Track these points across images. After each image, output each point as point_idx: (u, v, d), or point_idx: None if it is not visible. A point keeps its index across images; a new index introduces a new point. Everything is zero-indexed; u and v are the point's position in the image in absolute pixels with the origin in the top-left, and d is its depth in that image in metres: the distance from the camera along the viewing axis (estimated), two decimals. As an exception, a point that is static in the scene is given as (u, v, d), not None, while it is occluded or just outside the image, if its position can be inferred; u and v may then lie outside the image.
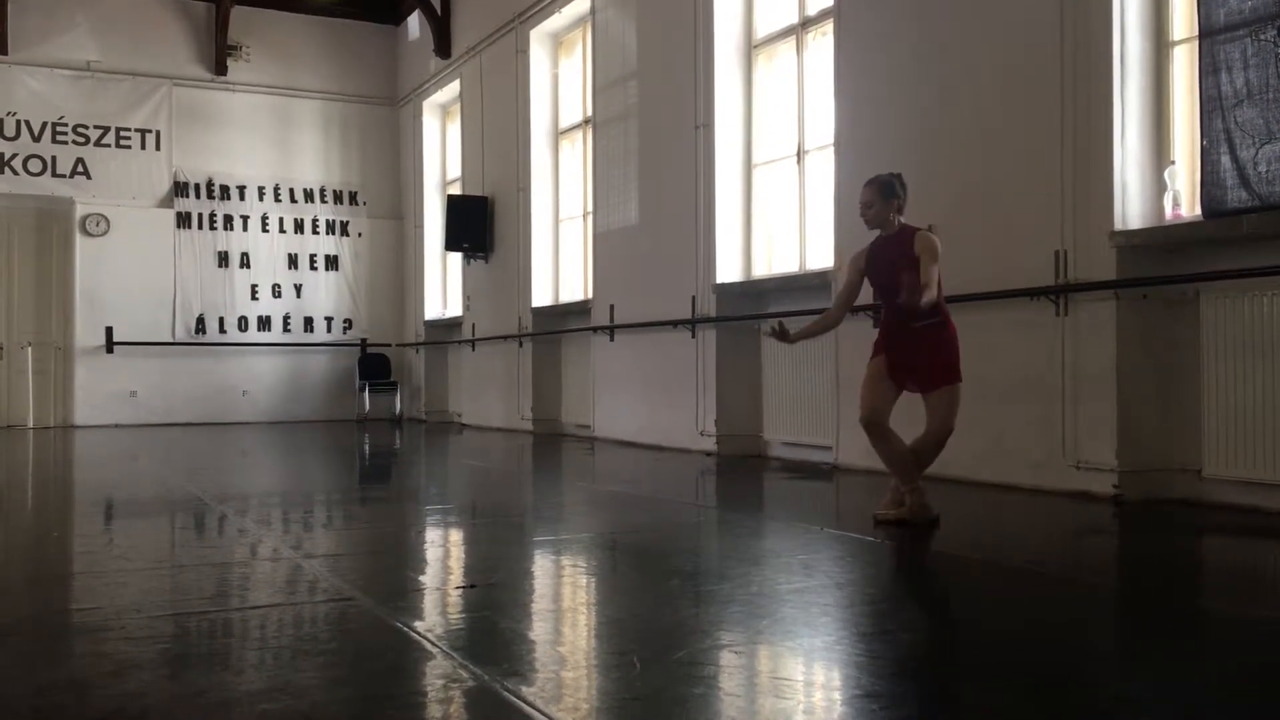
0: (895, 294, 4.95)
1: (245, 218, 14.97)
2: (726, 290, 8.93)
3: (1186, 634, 3.19)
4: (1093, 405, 5.85)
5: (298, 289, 15.28)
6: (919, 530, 4.86)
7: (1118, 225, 5.76)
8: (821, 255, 8.24)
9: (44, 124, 13.93)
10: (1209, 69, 5.34)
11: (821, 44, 8.32)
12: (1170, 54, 5.84)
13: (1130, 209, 5.79)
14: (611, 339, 10.44)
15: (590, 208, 11.11)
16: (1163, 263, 5.68)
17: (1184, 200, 5.72)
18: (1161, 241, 5.67)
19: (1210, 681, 2.71)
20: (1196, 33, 5.48)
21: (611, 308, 10.39)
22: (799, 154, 8.59)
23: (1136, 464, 5.71)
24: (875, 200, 5.12)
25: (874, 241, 5.22)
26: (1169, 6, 5.83)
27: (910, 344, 5.04)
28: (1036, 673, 2.73)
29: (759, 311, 8.69)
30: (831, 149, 7.83)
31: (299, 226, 15.29)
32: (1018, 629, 3.22)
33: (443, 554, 4.78)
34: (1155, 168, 5.82)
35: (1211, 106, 5.33)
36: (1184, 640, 3.11)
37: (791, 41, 8.74)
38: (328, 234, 15.48)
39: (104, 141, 14.22)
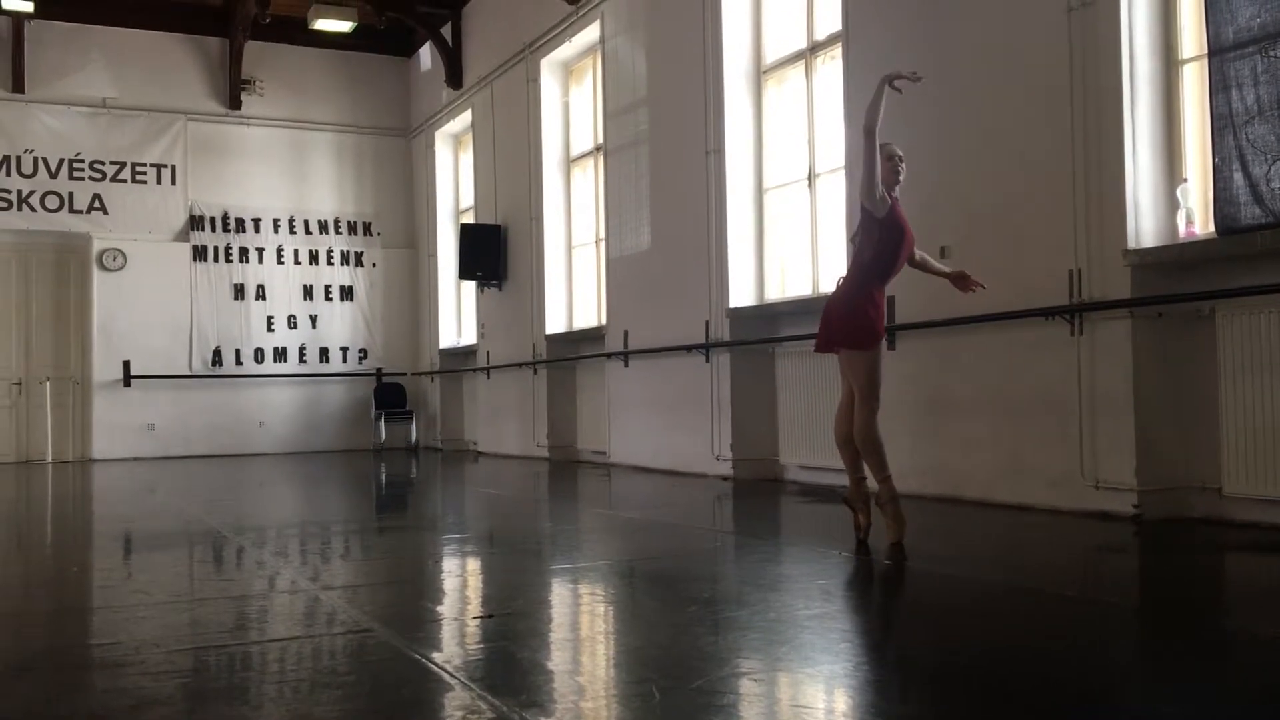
0: (899, 266, 5.20)
1: (260, 250, 15.07)
2: (740, 314, 8.93)
3: (1210, 654, 3.15)
4: (1110, 424, 5.82)
5: (313, 320, 15.35)
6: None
7: (1131, 244, 5.75)
8: (834, 278, 8.23)
9: (61, 160, 14.08)
10: (1219, 86, 5.34)
11: (831, 68, 8.36)
12: (1180, 72, 5.84)
13: (1143, 227, 5.78)
14: (626, 365, 10.45)
15: (603, 234, 11.15)
16: (1177, 280, 5.66)
17: (1197, 218, 5.70)
18: (1176, 259, 5.66)
19: (1234, 701, 2.68)
20: (1206, 50, 5.48)
21: (625, 333, 10.40)
22: (810, 177, 8.61)
23: (1156, 483, 5.67)
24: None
25: (895, 201, 5.18)
26: (1178, 24, 5.84)
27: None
28: (1060, 694, 2.70)
29: (773, 335, 8.68)
30: (842, 172, 7.85)
31: (314, 258, 15.38)
32: (1040, 651, 3.20)
33: (460, 584, 4.78)
34: (1168, 185, 5.82)
35: (1222, 124, 5.33)
36: (1207, 660, 3.08)
37: (800, 66, 8.77)
38: (342, 265, 15.56)
39: (120, 177, 14.36)
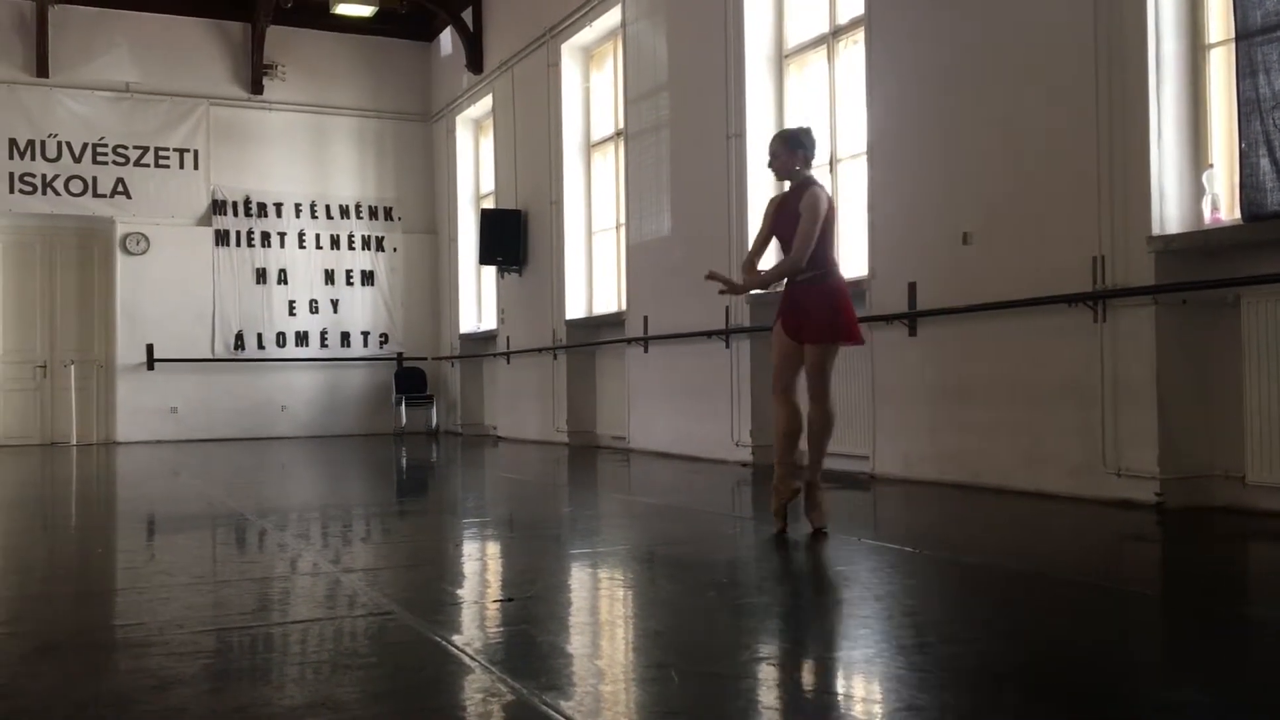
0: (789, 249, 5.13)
1: (282, 234, 15.13)
2: (761, 300, 8.89)
3: (1231, 642, 3.14)
4: (1133, 412, 5.79)
5: (334, 304, 15.41)
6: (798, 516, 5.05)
7: (1156, 230, 5.70)
8: (855, 263, 8.20)
9: (85, 145, 14.15)
10: (1246, 71, 5.29)
11: (853, 52, 8.31)
12: (1206, 56, 5.78)
13: (1168, 213, 5.73)
14: (645, 350, 10.45)
15: (623, 219, 11.13)
16: (1202, 267, 5.61)
17: (1223, 204, 5.65)
18: (1201, 246, 5.61)
19: (1255, 690, 2.67)
20: (1233, 34, 5.42)
21: (645, 319, 10.40)
22: (831, 162, 8.57)
23: (1178, 471, 5.64)
24: (780, 151, 5.25)
25: (785, 192, 5.32)
26: (1205, 8, 5.77)
27: (794, 298, 5.16)
28: (1079, 683, 2.69)
29: (793, 321, 8.64)
30: (864, 157, 7.81)
31: (335, 242, 15.43)
32: (1059, 639, 3.19)
33: (480, 567, 4.80)
34: (1193, 171, 5.76)
35: (1249, 109, 5.27)
36: (1229, 649, 3.06)
37: (822, 50, 8.73)
38: (363, 249, 15.61)
39: (143, 161, 14.43)
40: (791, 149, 5.19)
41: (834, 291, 5.08)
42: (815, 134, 5.33)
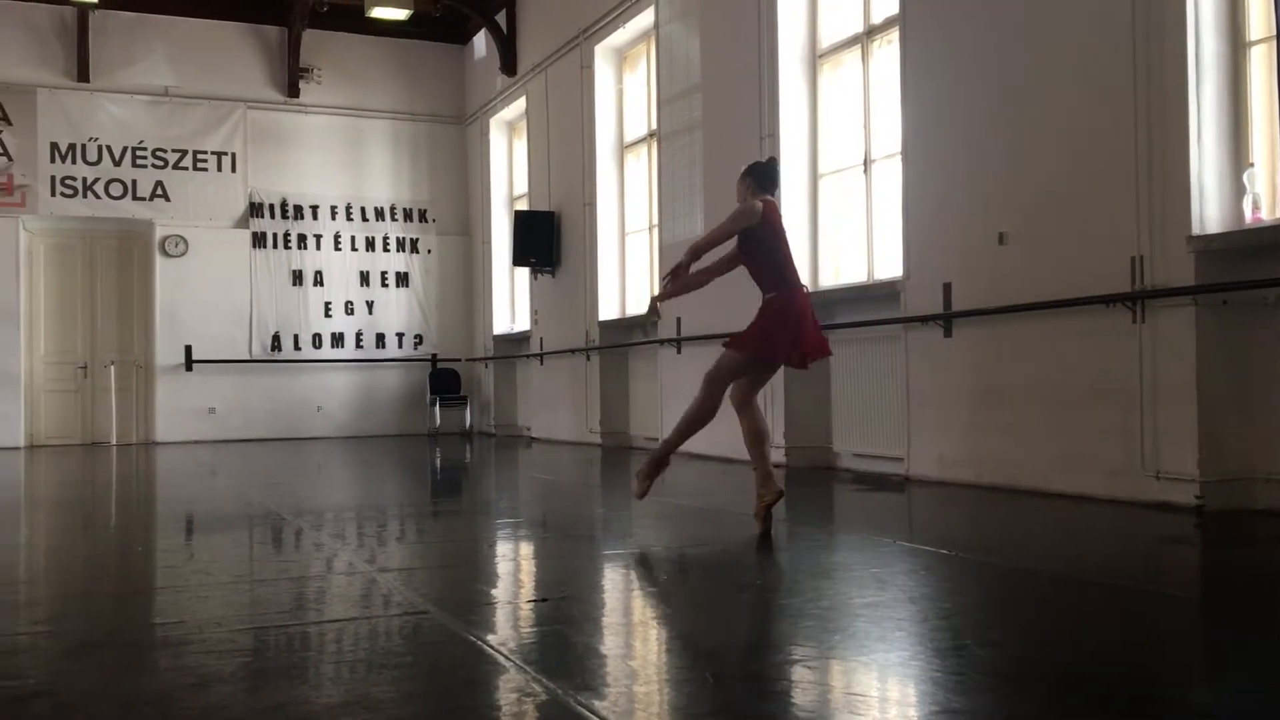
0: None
1: (318, 236, 15.26)
2: (794, 301, 8.86)
3: (1271, 647, 3.10)
4: (1172, 414, 5.72)
5: (370, 306, 15.52)
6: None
7: (1195, 230, 5.63)
8: (890, 265, 8.17)
9: (124, 148, 14.34)
10: (1288, 68, 5.22)
11: (887, 52, 8.27)
12: (1247, 54, 5.70)
13: (1208, 213, 5.67)
14: (679, 351, 10.44)
15: (656, 220, 11.14)
16: (1243, 267, 5.54)
17: (1264, 203, 5.58)
18: (1241, 246, 5.54)
19: (1300, 698, 2.64)
20: (1274, 32, 5.35)
21: (678, 320, 10.39)
22: (866, 163, 8.54)
23: (1219, 473, 5.57)
24: (737, 184, 5.62)
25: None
26: (1245, 6, 5.70)
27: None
28: (1116, 687, 2.67)
29: (827, 322, 8.61)
30: (899, 157, 7.77)
31: (370, 244, 15.54)
32: (1097, 643, 3.16)
33: (514, 567, 4.82)
34: (1234, 170, 5.69)
35: (1292, 106, 5.20)
36: (1268, 653, 3.02)
37: (857, 50, 8.69)
38: (398, 251, 15.71)
39: (182, 164, 14.59)
40: (742, 178, 5.56)
41: (781, 307, 5.32)
42: (778, 164, 5.70)
